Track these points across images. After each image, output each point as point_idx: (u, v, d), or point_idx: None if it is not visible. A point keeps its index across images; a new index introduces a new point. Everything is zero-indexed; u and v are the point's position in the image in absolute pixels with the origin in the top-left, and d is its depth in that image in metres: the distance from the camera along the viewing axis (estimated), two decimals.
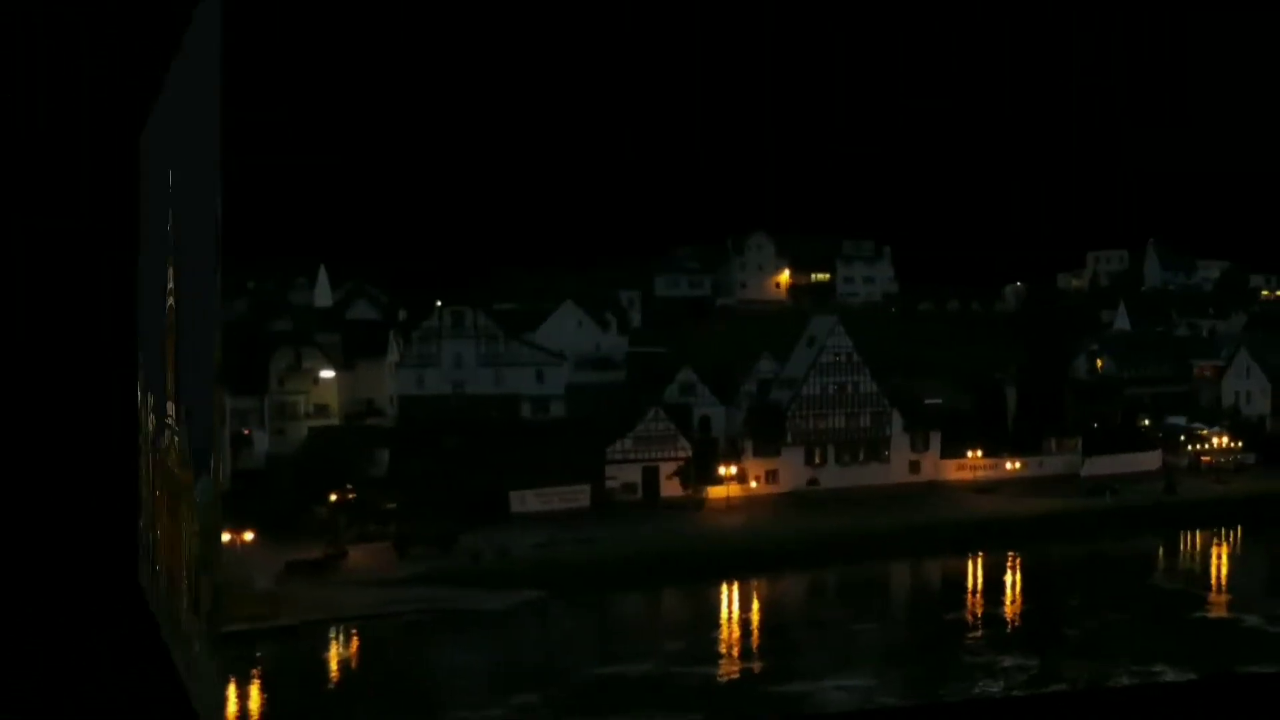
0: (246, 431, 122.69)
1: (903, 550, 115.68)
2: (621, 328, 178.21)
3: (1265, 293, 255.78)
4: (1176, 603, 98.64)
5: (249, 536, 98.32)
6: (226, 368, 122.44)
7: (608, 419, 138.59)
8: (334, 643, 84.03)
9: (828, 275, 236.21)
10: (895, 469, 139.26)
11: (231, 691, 71.19)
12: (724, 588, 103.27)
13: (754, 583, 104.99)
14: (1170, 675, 75.60)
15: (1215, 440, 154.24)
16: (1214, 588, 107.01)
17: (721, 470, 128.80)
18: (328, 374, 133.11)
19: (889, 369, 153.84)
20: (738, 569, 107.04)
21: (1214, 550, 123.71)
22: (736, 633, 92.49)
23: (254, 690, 72.80)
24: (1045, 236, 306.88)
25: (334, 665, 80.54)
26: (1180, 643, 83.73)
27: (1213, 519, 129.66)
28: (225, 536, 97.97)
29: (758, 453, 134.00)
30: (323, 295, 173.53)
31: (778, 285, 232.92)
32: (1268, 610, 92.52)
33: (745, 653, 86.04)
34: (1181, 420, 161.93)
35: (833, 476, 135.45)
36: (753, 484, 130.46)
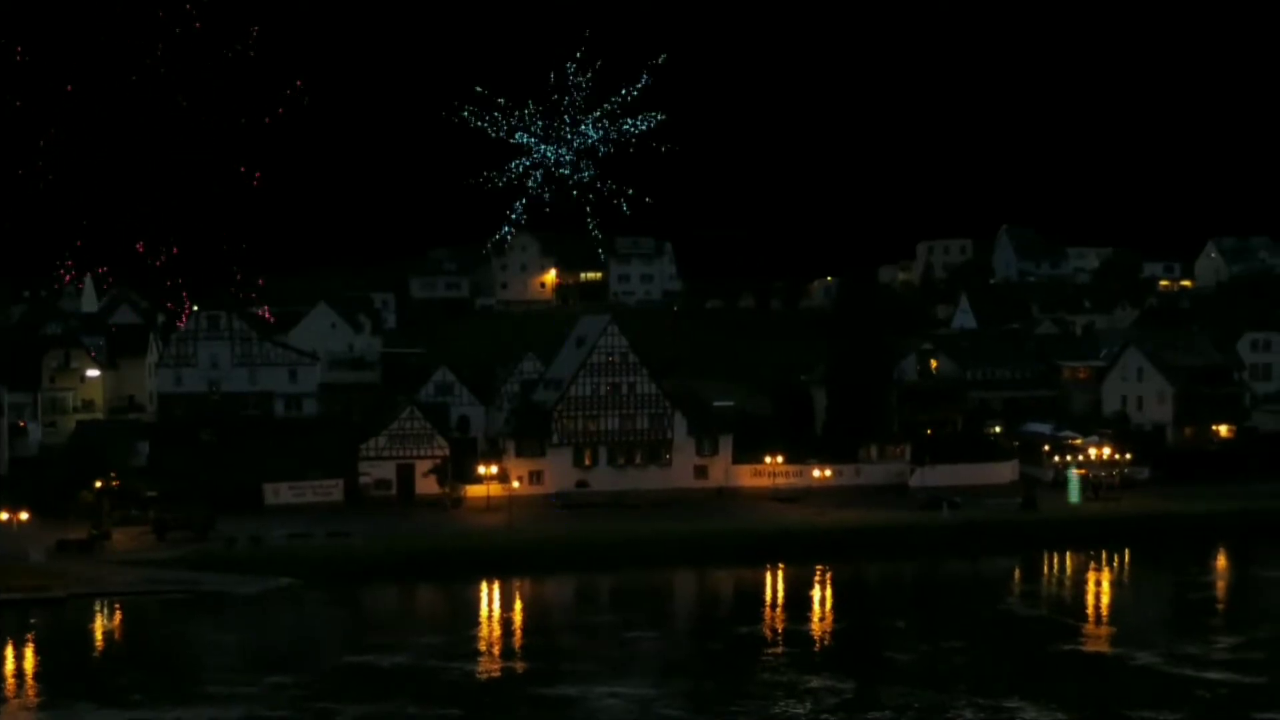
0: (22, 423, 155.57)
1: (685, 557, 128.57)
2: (375, 329, 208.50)
3: (1165, 283, 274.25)
4: (1037, 632, 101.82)
5: (24, 516, 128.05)
6: (3, 366, 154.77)
7: (361, 417, 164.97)
8: (99, 615, 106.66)
9: (599, 274, 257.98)
10: (678, 473, 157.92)
11: (8, 653, 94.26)
12: (484, 585, 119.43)
13: (516, 582, 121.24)
14: (1032, 713, 77.06)
15: (1093, 451, 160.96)
16: (1091, 618, 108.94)
17: (481, 469, 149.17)
18: (93, 373, 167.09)
19: (671, 370, 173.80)
20: (498, 567, 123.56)
21: (1091, 575, 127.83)
22: (497, 631, 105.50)
23: (28, 653, 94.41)
24: (864, 226, 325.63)
25: (99, 635, 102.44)
26: (1045, 677, 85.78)
27: (1088, 540, 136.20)
28: (3, 516, 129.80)
29: (521, 453, 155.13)
30: (89, 302, 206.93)
31: (543, 285, 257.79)
32: (1166, 647, 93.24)
33: (507, 652, 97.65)
34: (1046, 428, 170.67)
35: (605, 479, 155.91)
36: (515, 484, 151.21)
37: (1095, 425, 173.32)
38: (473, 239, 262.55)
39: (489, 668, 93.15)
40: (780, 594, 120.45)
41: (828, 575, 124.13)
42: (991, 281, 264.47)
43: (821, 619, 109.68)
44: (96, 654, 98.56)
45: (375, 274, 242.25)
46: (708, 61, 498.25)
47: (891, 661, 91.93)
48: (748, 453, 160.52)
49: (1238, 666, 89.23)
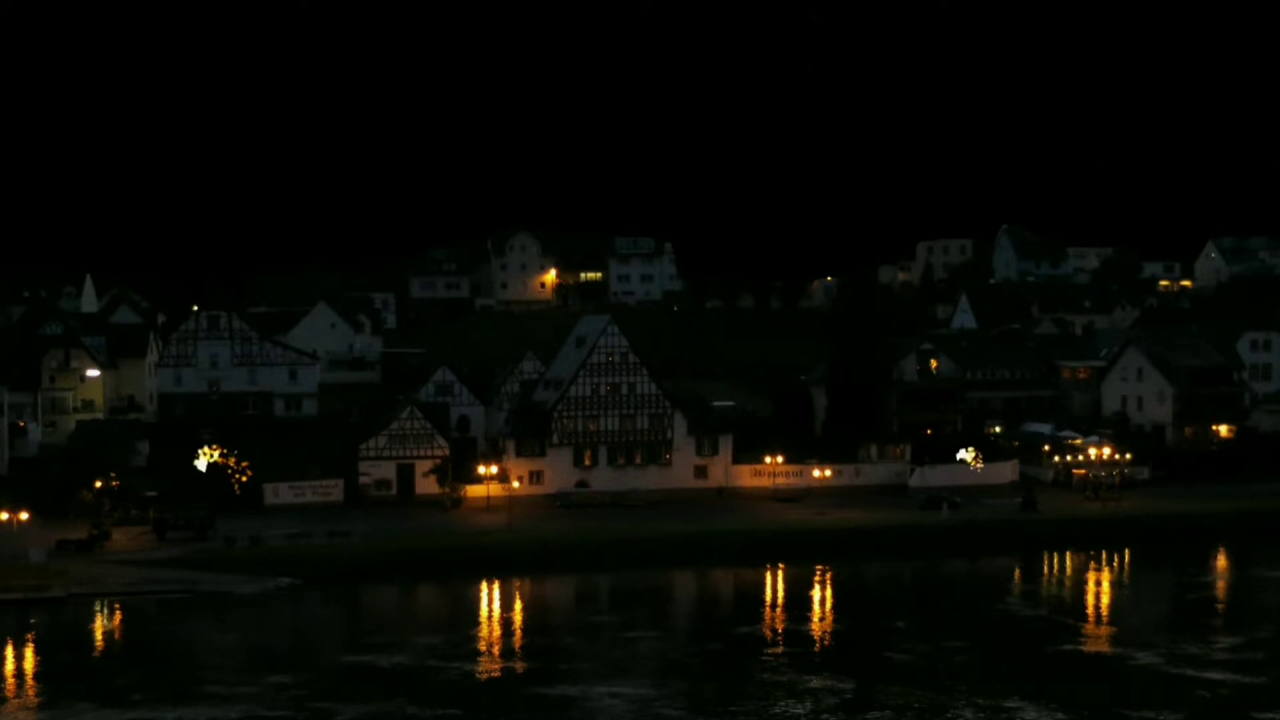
0: (21, 424, 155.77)
1: (685, 557, 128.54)
2: (375, 329, 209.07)
3: (1165, 283, 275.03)
4: (1037, 632, 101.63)
5: (24, 516, 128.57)
6: (3, 366, 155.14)
7: (361, 417, 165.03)
8: (99, 615, 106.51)
9: (599, 274, 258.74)
10: (678, 473, 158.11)
11: (9, 653, 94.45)
12: (484, 585, 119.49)
13: (516, 582, 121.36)
14: (1032, 713, 77.05)
15: (1093, 451, 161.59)
16: (1091, 618, 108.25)
17: (481, 469, 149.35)
18: (93, 373, 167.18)
19: (671, 370, 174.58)
20: (498, 567, 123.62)
21: (1091, 575, 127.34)
22: (497, 631, 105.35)
23: (28, 653, 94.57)
24: (864, 226, 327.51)
25: (99, 635, 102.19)
26: (1045, 677, 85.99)
27: (1088, 540, 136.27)
28: (3, 516, 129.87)
29: (521, 453, 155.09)
30: (89, 302, 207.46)
31: (543, 285, 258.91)
32: (1166, 647, 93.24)
33: (507, 652, 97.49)
34: (1046, 428, 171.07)
35: (605, 479, 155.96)
36: (515, 484, 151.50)
37: (1095, 425, 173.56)
38: (473, 239, 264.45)
39: (489, 668, 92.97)
40: (780, 594, 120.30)
41: (828, 575, 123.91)
42: (991, 281, 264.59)
43: (821, 619, 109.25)
44: (96, 654, 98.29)
45: (375, 274, 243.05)
46: (708, 61, 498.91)
47: (891, 661, 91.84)
48: (748, 453, 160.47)
49: (1238, 666, 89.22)
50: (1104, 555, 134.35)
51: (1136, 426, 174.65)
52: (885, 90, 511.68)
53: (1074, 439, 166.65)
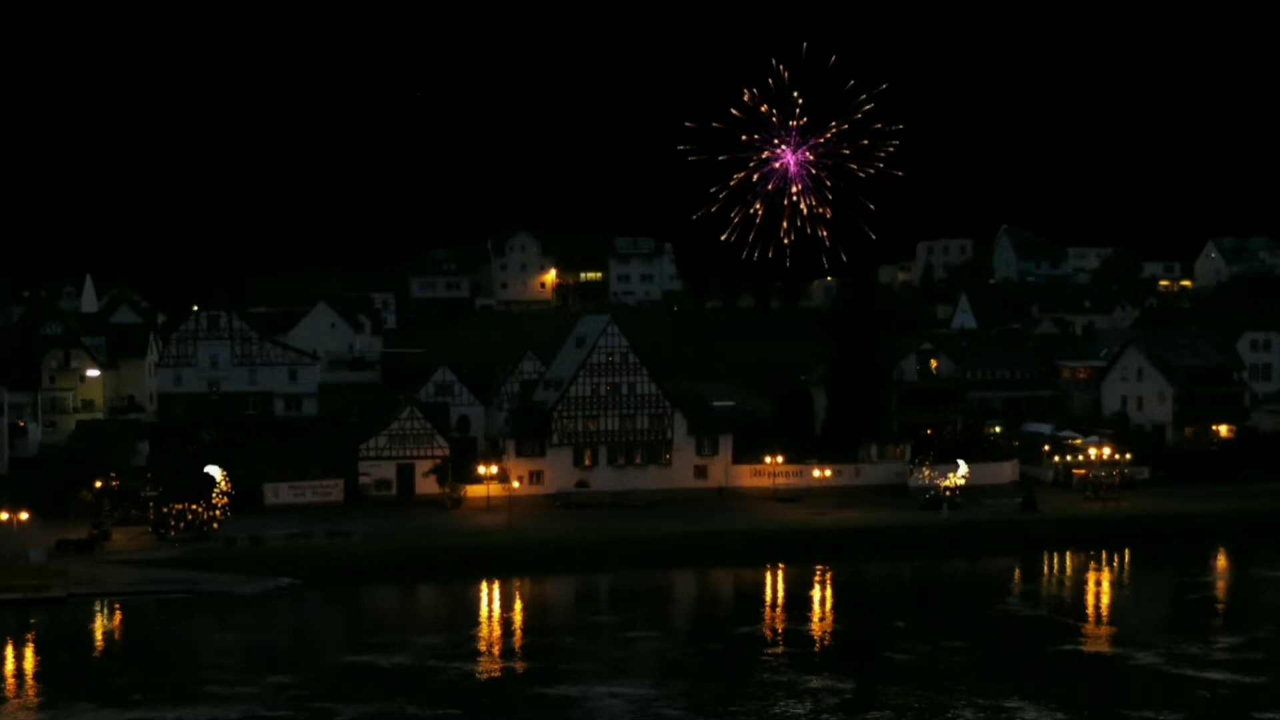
0: (21, 424, 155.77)
1: (685, 557, 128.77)
2: (375, 329, 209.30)
3: (1165, 283, 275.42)
4: (1037, 632, 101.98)
5: (24, 516, 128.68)
6: (3, 366, 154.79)
7: (361, 417, 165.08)
8: (99, 615, 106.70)
9: (599, 274, 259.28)
10: (678, 473, 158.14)
11: (9, 653, 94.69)
12: (484, 585, 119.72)
13: (516, 582, 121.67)
14: (1032, 713, 77.30)
15: (1093, 451, 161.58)
16: (1091, 618, 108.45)
17: (481, 469, 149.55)
18: (93, 373, 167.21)
19: (671, 370, 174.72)
20: (498, 567, 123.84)
21: (1091, 575, 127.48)
22: (497, 631, 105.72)
23: (28, 653, 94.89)
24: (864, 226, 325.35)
25: (99, 635, 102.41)
26: (1045, 677, 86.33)
27: (1088, 540, 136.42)
28: (3, 516, 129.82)
29: (521, 453, 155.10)
30: (89, 302, 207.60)
31: (543, 285, 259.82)
32: (1166, 647, 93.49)
33: (507, 652, 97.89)
34: (1046, 428, 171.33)
35: (605, 479, 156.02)
36: (515, 484, 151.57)
37: (1095, 425, 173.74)
38: (473, 239, 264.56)
39: (489, 668, 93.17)
40: (780, 594, 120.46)
41: (828, 575, 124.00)
42: (991, 281, 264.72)
43: (821, 619, 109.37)
44: (96, 654, 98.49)
45: (375, 274, 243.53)
46: (707, 61, 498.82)
47: (891, 661, 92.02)
48: (748, 453, 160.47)
49: (1238, 666, 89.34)
50: (1104, 555, 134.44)
51: (1136, 426, 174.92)
52: (883, 90, 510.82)
53: (1074, 439, 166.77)
